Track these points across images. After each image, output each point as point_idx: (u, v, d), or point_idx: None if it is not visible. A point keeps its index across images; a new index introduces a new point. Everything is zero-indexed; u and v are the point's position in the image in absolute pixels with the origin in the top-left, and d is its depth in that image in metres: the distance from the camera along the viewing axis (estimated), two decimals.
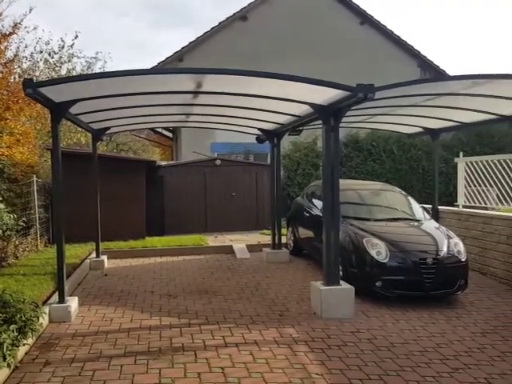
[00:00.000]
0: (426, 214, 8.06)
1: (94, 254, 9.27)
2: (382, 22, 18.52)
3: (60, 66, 17.50)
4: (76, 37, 17.71)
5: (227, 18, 17.81)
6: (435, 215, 8.99)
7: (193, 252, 10.31)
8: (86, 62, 19.67)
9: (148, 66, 17.53)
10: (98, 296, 7.06)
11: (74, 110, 6.26)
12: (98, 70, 19.80)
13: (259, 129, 9.30)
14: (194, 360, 4.63)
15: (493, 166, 8.16)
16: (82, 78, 7.25)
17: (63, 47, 17.46)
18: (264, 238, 11.37)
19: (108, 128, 8.79)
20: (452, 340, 5.29)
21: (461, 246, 6.89)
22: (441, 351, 4.97)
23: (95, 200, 8.88)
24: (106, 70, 20.64)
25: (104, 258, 9.21)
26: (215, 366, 4.48)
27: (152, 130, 21.19)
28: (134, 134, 24.61)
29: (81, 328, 5.62)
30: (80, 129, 13.89)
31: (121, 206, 11.04)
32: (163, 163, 14.16)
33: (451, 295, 6.75)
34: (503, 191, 8.07)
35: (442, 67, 18.87)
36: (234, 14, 17.86)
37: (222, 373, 4.36)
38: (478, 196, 8.62)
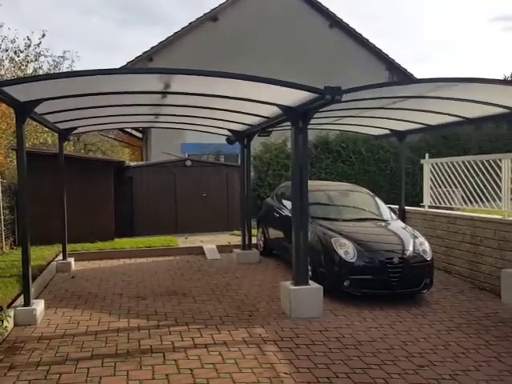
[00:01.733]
0: (392, 214, 8.22)
1: (60, 256, 9.08)
2: (350, 26, 18.80)
3: (26, 65, 17.10)
4: (43, 35, 17.34)
5: (197, 19, 17.76)
6: (402, 215, 9.19)
7: (162, 253, 10.22)
8: (54, 61, 19.33)
9: (117, 65, 17.29)
10: (65, 298, 6.92)
11: (39, 109, 6.13)
12: (65, 70, 19.46)
13: (229, 130, 9.31)
14: (163, 362, 4.60)
15: (457, 167, 8.38)
16: (48, 77, 7.10)
17: (29, 46, 17.06)
18: (234, 238, 11.37)
19: (75, 128, 8.63)
20: (418, 338, 5.41)
21: (426, 246, 7.06)
22: (407, 349, 5.08)
23: (62, 201, 8.71)
24: (74, 69, 20.29)
25: (71, 259, 9.04)
26: (184, 368, 4.47)
27: (121, 130, 20.91)
28: (103, 134, 24.24)
29: (47, 331, 5.51)
30: (47, 129, 13.59)
31: (88, 207, 10.86)
32: (132, 164, 13.99)
33: (417, 294, 6.91)
34: (467, 192, 8.29)
35: (409, 70, 19.31)
36: (205, 14, 17.84)
37: (190, 374, 4.34)
38: (444, 197, 8.84)
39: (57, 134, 9.48)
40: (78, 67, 21.14)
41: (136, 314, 6.13)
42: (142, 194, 12.54)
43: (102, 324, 5.76)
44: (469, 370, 4.60)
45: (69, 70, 19.58)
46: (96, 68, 5.04)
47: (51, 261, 8.89)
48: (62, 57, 19.62)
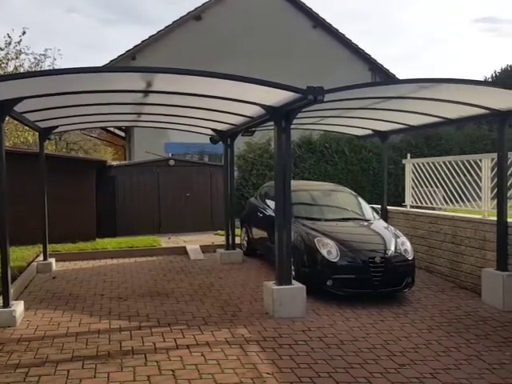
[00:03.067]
0: (375, 214, 8.28)
1: (41, 257, 8.94)
2: (333, 26, 18.88)
3: (7, 63, 16.80)
4: (24, 33, 17.02)
5: (181, 17, 17.67)
6: (384, 215, 9.26)
7: (145, 254, 10.13)
8: (35, 58, 18.98)
9: (101, 63, 17.14)
10: (46, 300, 6.82)
11: (19, 107, 6.02)
12: (47, 68, 19.15)
13: (212, 129, 9.27)
14: (144, 363, 4.56)
15: (439, 167, 8.47)
16: (28, 75, 6.97)
17: (10, 43, 16.77)
18: (218, 238, 11.34)
19: (56, 127, 8.51)
20: (399, 336, 5.45)
21: (408, 245, 7.13)
22: (388, 348, 5.11)
23: (42, 201, 8.58)
24: (56, 67, 19.97)
25: (52, 260, 8.91)
26: (165, 369, 4.43)
27: (104, 129, 20.72)
28: (85, 133, 23.99)
29: (26, 333, 5.42)
30: (27, 127, 13.38)
31: (70, 207, 10.71)
32: (115, 163, 13.85)
33: (399, 293, 6.96)
34: (448, 192, 8.39)
35: (392, 71, 19.48)
36: (188, 13, 17.75)
37: (172, 375, 4.31)
38: (425, 196, 8.93)
39: (37, 133, 9.33)
40: (60, 65, 20.85)
41: (117, 315, 6.06)
42: (124, 193, 12.42)
43: (83, 325, 5.68)
44: (449, 368, 4.65)
45: (50, 68, 19.28)
46: (77, 66, 4.96)
47: (31, 261, 8.75)
48: (43, 55, 19.32)
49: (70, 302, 6.72)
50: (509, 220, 6.58)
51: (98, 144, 28.47)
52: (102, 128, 19.88)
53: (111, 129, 20.69)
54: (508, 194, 6.78)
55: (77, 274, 8.55)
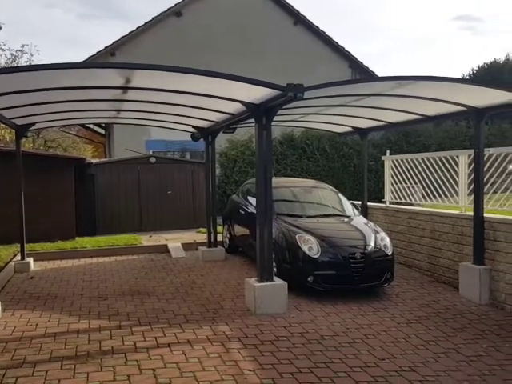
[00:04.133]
0: (355, 210, 8.35)
1: (19, 256, 8.80)
2: (314, 23, 18.94)
3: None
4: None
5: (161, 13, 17.51)
6: (364, 211, 9.34)
7: (126, 252, 10.04)
8: (12, 54, 18.65)
9: (80, 59, 16.85)
10: (23, 300, 6.71)
11: None
12: (24, 64, 18.81)
13: (193, 126, 9.23)
14: (124, 362, 4.52)
15: (417, 163, 8.57)
16: (3, 71, 6.83)
17: None
18: (200, 236, 11.30)
19: (33, 124, 8.36)
20: (379, 331, 5.51)
21: (387, 241, 7.21)
22: (368, 342, 5.17)
23: (20, 199, 8.43)
24: (33, 63, 19.64)
25: (30, 260, 8.77)
26: (146, 368, 4.40)
27: (83, 126, 20.45)
28: (64, 131, 23.61)
29: (3, 334, 5.33)
30: (4, 125, 13.12)
31: (48, 205, 10.56)
32: (94, 161, 13.67)
33: (379, 288, 7.04)
34: (427, 188, 8.50)
35: (371, 68, 19.63)
36: (169, 9, 17.60)
37: (152, 374, 4.29)
38: (404, 192, 9.04)
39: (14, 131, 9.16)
40: (37, 61, 20.50)
41: (97, 315, 6.00)
42: (104, 191, 12.28)
43: (62, 325, 5.61)
44: (428, 361, 4.73)
45: (27, 64, 18.93)
46: (55, 62, 4.88)
47: (9, 261, 8.60)
48: (20, 50, 18.99)
49: (49, 302, 6.63)
50: (485, 215, 6.70)
51: (77, 141, 28.03)
52: (81, 125, 19.62)
53: (91, 126, 20.41)
54: (484, 190, 6.91)
55: (55, 273, 8.43)
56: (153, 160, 12.86)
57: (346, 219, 7.97)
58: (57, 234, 10.57)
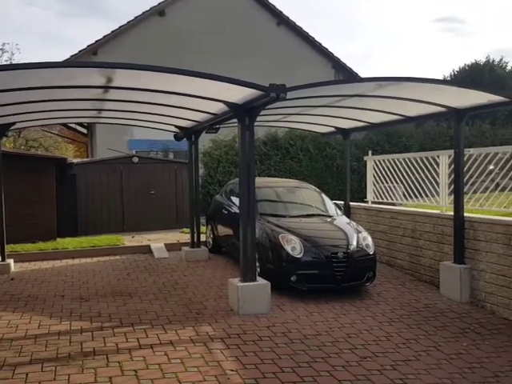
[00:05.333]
0: (338, 210, 8.41)
1: None
2: (297, 24, 19.01)
3: None
4: None
5: (144, 12, 17.41)
6: (347, 211, 9.40)
7: (108, 253, 9.94)
8: None
9: (62, 58, 16.67)
10: (3, 302, 6.60)
11: None
12: (4, 62, 18.54)
13: (176, 126, 9.18)
14: (106, 364, 4.49)
15: (398, 163, 8.66)
16: None
17: None
18: (184, 236, 11.24)
19: (13, 123, 8.23)
20: (361, 330, 5.56)
21: (369, 240, 7.27)
22: (351, 341, 5.21)
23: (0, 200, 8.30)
24: (14, 62, 19.37)
25: (10, 261, 8.63)
26: (128, 369, 4.37)
27: (65, 125, 20.22)
28: (45, 130, 23.33)
29: None
30: None
31: (29, 206, 10.41)
32: (76, 160, 13.53)
33: (361, 287, 7.10)
34: (408, 188, 8.59)
35: (354, 69, 19.77)
36: (152, 8, 17.50)
37: (134, 375, 4.26)
38: (386, 192, 9.12)
39: None
40: (18, 60, 20.22)
41: (79, 316, 5.93)
42: (86, 191, 12.16)
43: (43, 327, 5.54)
44: (409, 359, 4.79)
45: (8, 62, 18.67)
46: (36, 61, 4.81)
47: None
48: (0, 49, 18.69)
49: (29, 303, 6.53)
50: (465, 215, 6.80)
51: (59, 141, 27.72)
52: (62, 124, 19.41)
53: (73, 125, 20.20)
54: (465, 190, 7.01)
55: (36, 274, 8.32)
56: (135, 160, 12.77)
57: (328, 219, 8.02)
58: (38, 235, 10.43)
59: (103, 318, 5.89)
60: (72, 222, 11.79)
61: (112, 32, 17.06)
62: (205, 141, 13.36)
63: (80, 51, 16.76)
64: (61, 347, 4.91)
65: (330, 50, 19.35)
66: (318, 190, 9.18)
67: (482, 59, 27.45)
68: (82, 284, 7.59)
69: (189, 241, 9.75)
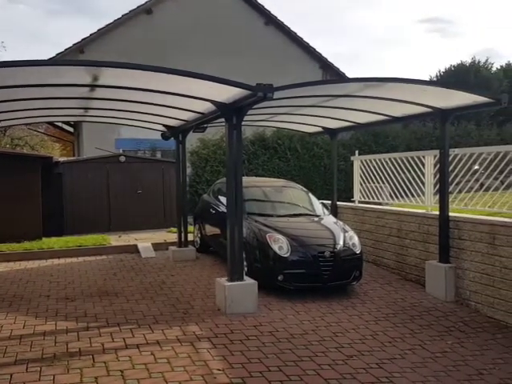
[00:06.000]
0: (325, 209, 8.44)
1: None
2: (286, 24, 19.04)
3: None
4: None
5: (131, 11, 17.30)
6: (334, 210, 9.45)
7: (94, 253, 9.86)
8: None
9: (47, 56, 16.51)
10: None
11: None
12: None
13: (163, 125, 9.15)
14: (92, 364, 4.46)
15: (385, 163, 8.72)
16: None
17: None
18: (171, 236, 11.19)
19: None
20: (347, 328, 5.60)
21: (355, 239, 7.32)
22: (337, 340, 5.24)
23: None
24: (0, 59, 19.08)
25: None
26: (114, 369, 4.35)
27: (51, 124, 20.01)
28: (31, 129, 23.06)
29: None
30: None
31: (13, 205, 10.28)
32: (62, 159, 13.40)
33: (348, 286, 7.14)
34: (394, 188, 8.66)
35: (342, 70, 19.85)
36: (139, 6, 17.40)
37: (121, 375, 4.24)
38: (372, 192, 9.19)
39: None
40: (4, 58, 19.96)
41: (64, 316, 5.88)
42: (72, 191, 12.04)
43: (28, 327, 5.48)
44: (395, 358, 4.83)
45: None
46: (22, 59, 4.75)
47: None
48: None
49: (14, 303, 6.46)
50: (450, 214, 6.88)
51: (45, 139, 27.43)
52: (48, 123, 19.20)
53: (59, 124, 19.99)
54: (450, 190, 7.09)
55: (21, 274, 8.22)
56: (122, 159, 12.68)
57: (315, 218, 8.06)
58: (23, 235, 10.31)
59: (89, 318, 5.85)
60: (58, 222, 11.67)
61: (99, 30, 16.93)
62: (192, 140, 13.33)
63: (66, 49, 16.60)
64: (46, 347, 4.87)
65: (317, 50, 19.40)
66: (305, 189, 9.21)
67: (467, 60, 27.76)
68: (67, 284, 7.52)
69: (176, 240, 9.72)
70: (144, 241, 10.70)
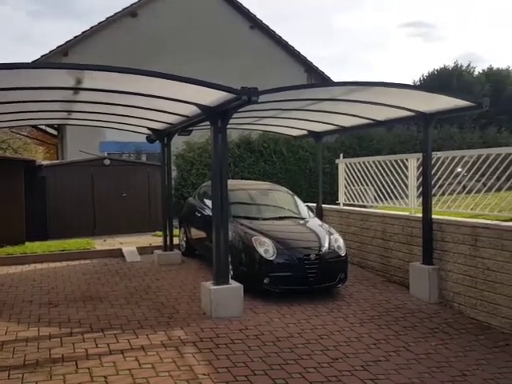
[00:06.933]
0: (310, 212, 8.48)
1: None
2: (271, 27, 19.10)
3: None
4: None
5: (116, 13, 17.20)
6: (319, 213, 9.49)
7: (78, 257, 9.75)
8: None
9: (31, 58, 16.30)
10: None
11: None
12: None
13: (149, 128, 9.10)
14: (75, 370, 4.41)
15: (369, 166, 8.79)
16: None
17: None
18: (157, 239, 11.12)
19: None
20: (333, 331, 5.62)
21: (341, 242, 7.36)
22: (322, 342, 5.26)
23: None
24: None
25: None
26: (97, 375, 4.30)
27: (34, 127, 19.77)
28: (14, 132, 22.75)
29: None
30: None
31: None
32: (45, 162, 13.25)
33: (333, 288, 7.17)
34: (378, 190, 8.73)
35: (327, 73, 19.96)
36: (124, 9, 17.32)
37: (104, 381, 4.20)
38: (357, 195, 9.25)
39: None
40: None
41: (47, 322, 5.81)
42: (56, 194, 11.90)
43: (10, 334, 5.40)
44: (379, 360, 4.86)
45: None
46: (4, 62, 4.69)
47: None
48: None
49: None
50: (433, 217, 6.95)
51: (28, 143, 27.09)
52: (32, 126, 18.96)
53: (42, 127, 19.76)
54: (433, 192, 7.17)
55: (4, 279, 8.10)
56: (107, 162, 12.59)
57: (301, 221, 8.08)
58: (5, 239, 10.14)
59: (73, 323, 5.79)
60: (41, 226, 11.52)
61: (83, 33, 16.80)
62: (178, 143, 13.27)
63: (50, 52, 16.44)
64: (28, 354, 4.80)
65: (302, 54, 19.49)
66: (290, 192, 9.24)
67: (450, 64, 28.17)
68: (51, 289, 7.43)
69: (162, 244, 9.66)
70: (129, 245, 10.62)
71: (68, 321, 5.87)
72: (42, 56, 16.34)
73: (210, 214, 7.51)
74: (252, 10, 18.85)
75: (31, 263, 9.36)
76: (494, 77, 27.19)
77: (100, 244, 10.77)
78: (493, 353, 5.13)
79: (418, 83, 27.41)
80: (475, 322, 6.03)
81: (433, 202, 7.10)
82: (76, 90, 5.90)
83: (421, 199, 7.18)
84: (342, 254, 7.21)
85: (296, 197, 8.98)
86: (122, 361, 4.64)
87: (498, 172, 6.37)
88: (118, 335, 5.35)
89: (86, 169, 12.32)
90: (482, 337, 5.58)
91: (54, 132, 20.99)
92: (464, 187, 7.16)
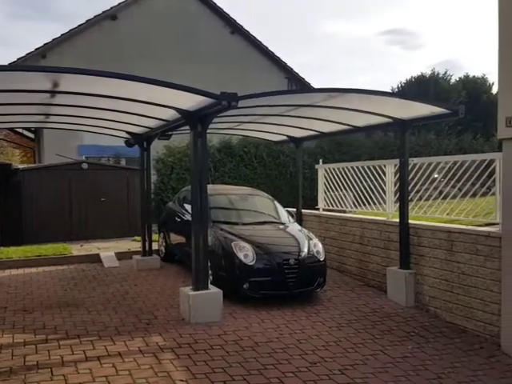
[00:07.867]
0: (290, 217, 8.51)
1: None
2: (251, 33, 19.18)
3: None
4: None
5: (96, 16, 17.08)
6: (299, 218, 9.53)
7: (54, 262, 9.58)
8: None
9: (8, 60, 16.04)
10: None
11: None
12: None
13: (127, 132, 9.03)
14: (50, 378, 4.34)
15: (347, 172, 8.87)
16: None
17: None
18: (136, 244, 11.02)
19: None
20: (311, 335, 5.65)
21: (319, 247, 7.40)
22: (301, 347, 5.28)
23: None
24: None
25: None
26: (73, 383, 4.25)
27: (11, 130, 19.44)
28: None
29: None
30: None
31: None
32: (22, 166, 13.02)
33: (312, 292, 7.20)
34: (357, 196, 8.81)
35: (307, 80, 20.11)
36: (103, 12, 17.20)
37: None
38: (336, 200, 9.32)
39: None
40: None
41: (22, 329, 5.70)
42: (32, 199, 11.70)
43: None
44: (357, 363, 4.90)
45: None
46: None
47: None
48: None
49: None
50: (410, 221, 7.05)
51: (4, 146, 26.66)
52: (8, 129, 18.65)
53: (20, 130, 19.43)
54: (410, 197, 7.27)
55: None
56: (85, 166, 12.44)
57: (281, 226, 8.11)
58: None
59: (48, 330, 5.69)
60: (17, 231, 11.31)
61: (62, 35, 16.61)
62: (158, 147, 13.19)
63: (28, 54, 16.21)
64: (2, 361, 4.71)
65: (283, 60, 19.61)
66: (270, 197, 9.26)
67: (428, 72, 28.66)
68: (26, 295, 7.29)
69: (140, 249, 9.58)
70: (107, 250, 10.50)
71: (43, 327, 5.78)
72: (19, 58, 16.09)
73: (190, 218, 7.49)
74: (233, 16, 18.94)
75: (6, 269, 9.17)
76: (469, 84, 27.75)
77: (77, 249, 10.63)
78: (468, 356, 5.23)
79: (396, 90, 27.81)
80: (451, 326, 6.13)
81: (410, 207, 7.21)
82: (53, 93, 5.82)
83: (398, 204, 7.27)
84: (321, 258, 7.26)
85: (276, 202, 9.01)
86: (98, 368, 4.58)
87: (473, 178, 6.50)
88: (94, 342, 5.28)
89: (63, 173, 12.15)
90: (458, 340, 5.67)
91: (31, 135, 20.66)
92: (440, 192, 7.28)
